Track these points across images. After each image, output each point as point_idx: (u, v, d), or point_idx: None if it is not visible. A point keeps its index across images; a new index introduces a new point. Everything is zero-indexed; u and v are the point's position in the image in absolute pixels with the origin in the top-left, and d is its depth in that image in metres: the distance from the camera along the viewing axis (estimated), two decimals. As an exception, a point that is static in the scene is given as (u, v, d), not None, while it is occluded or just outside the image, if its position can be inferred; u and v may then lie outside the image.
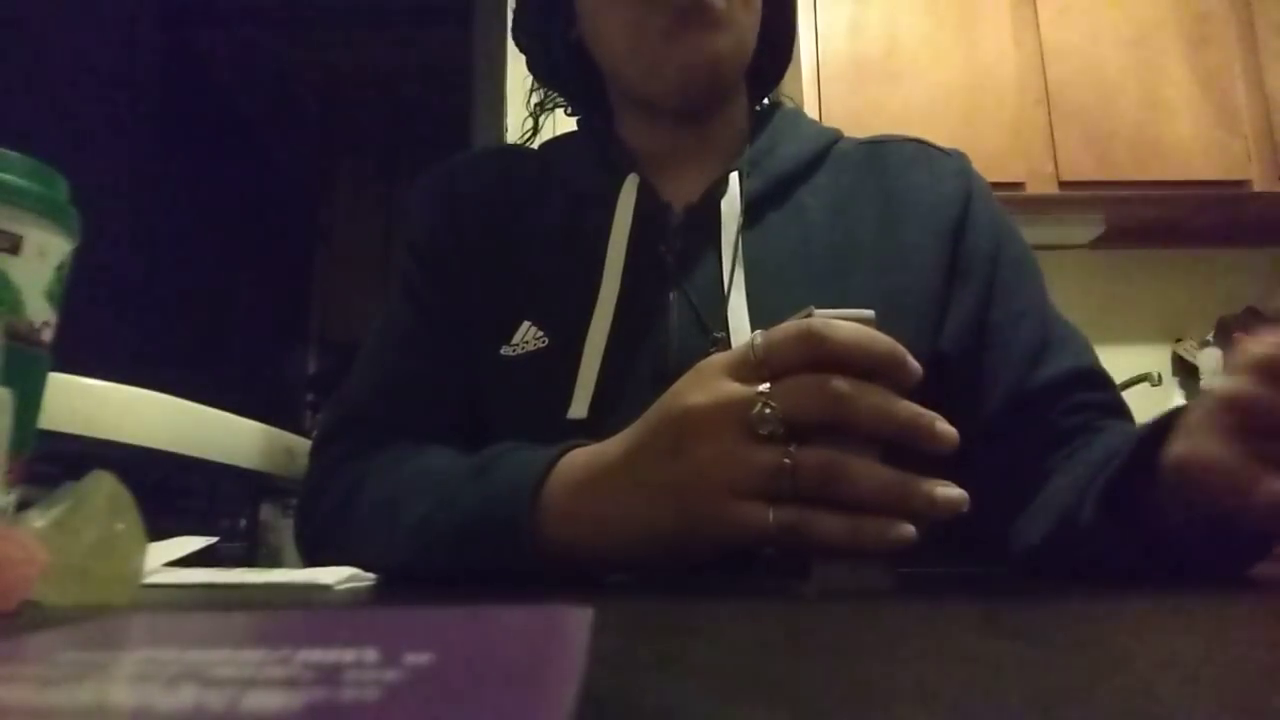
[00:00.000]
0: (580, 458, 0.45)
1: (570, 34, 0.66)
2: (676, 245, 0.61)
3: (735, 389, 0.39)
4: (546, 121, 0.78)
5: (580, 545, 0.44)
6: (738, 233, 0.60)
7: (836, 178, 0.64)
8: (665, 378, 0.53)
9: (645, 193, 0.63)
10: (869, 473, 0.37)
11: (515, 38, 0.72)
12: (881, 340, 0.38)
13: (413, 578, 0.50)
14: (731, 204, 0.61)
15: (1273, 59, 2.07)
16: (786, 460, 0.37)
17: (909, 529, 0.37)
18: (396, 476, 0.54)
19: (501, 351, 0.60)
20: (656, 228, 0.61)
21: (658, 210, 0.62)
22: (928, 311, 0.60)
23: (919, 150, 0.67)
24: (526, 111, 0.78)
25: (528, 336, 0.60)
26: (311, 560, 0.58)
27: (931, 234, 0.61)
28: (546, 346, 0.59)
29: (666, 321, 0.59)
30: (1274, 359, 0.35)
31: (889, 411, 0.37)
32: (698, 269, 0.60)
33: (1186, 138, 2.02)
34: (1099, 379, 0.59)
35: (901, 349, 0.38)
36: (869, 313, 0.40)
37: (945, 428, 0.38)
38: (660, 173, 0.65)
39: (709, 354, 0.54)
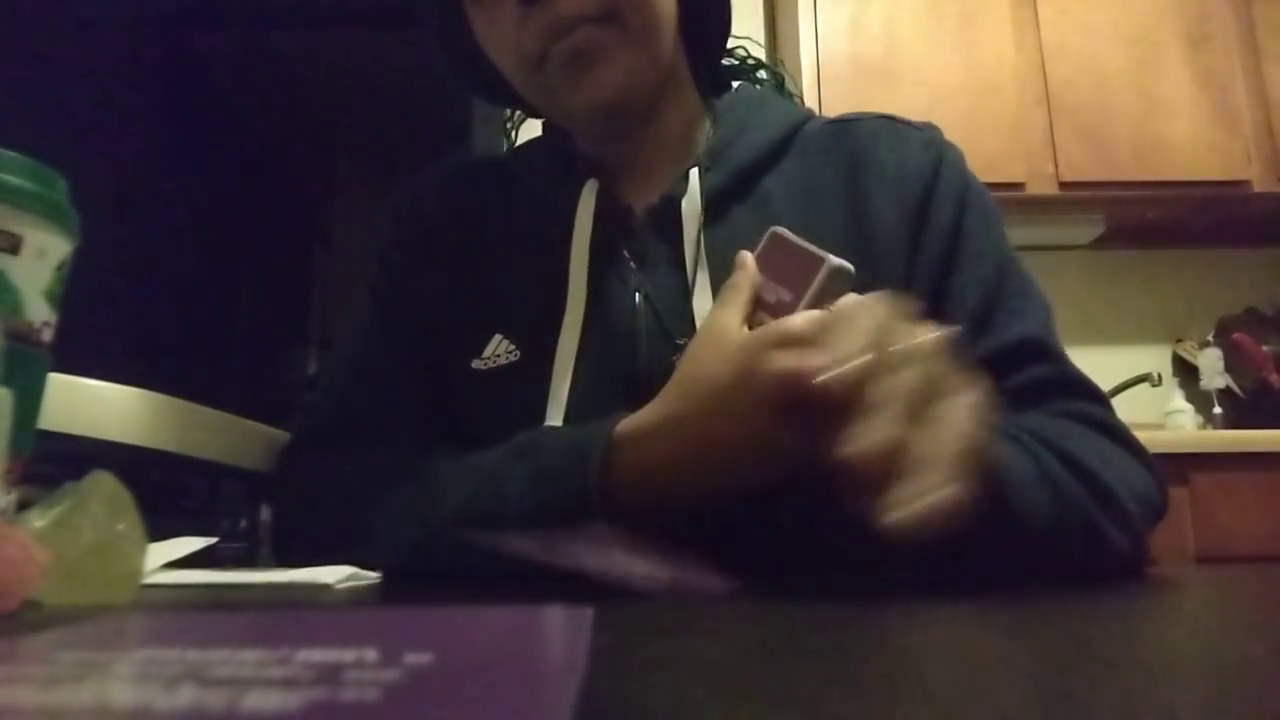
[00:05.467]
0: (636, 423, 0.47)
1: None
2: (639, 248, 0.60)
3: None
4: (523, 128, 0.77)
5: (657, 483, 0.46)
6: (699, 231, 0.59)
7: (802, 161, 0.63)
8: (635, 384, 0.53)
9: (605, 198, 0.62)
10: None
11: (445, 69, 0.70)
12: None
13: (425, 573, 0.50)
14: (692, 202, 0.60)
15: (1273, 59, 2.07)
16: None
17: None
18: (415, 472, 0.54)
19: (473, 365, 0.61)
20: (619, 232, 0.61)
21: (619, 214, 0.62)
22: (896, 291, 0.58)
23: (886, 126, 0.64)
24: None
25: (499, 350, 0.60)
26: (297, 563, 0.57)
27: (898, 211, 0.59)
28: (518, 360, 0.59)
29: (634, 328, 0.58)
30: None
31: None
32: (660, 272, 0.59)
33: (1186, 138, 2.02)
34: (1044, 351, 0.56)
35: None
36: (839, 262, 0.44)
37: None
38: (620, 176, 0.64)
39: (673, 363, 0.54)
